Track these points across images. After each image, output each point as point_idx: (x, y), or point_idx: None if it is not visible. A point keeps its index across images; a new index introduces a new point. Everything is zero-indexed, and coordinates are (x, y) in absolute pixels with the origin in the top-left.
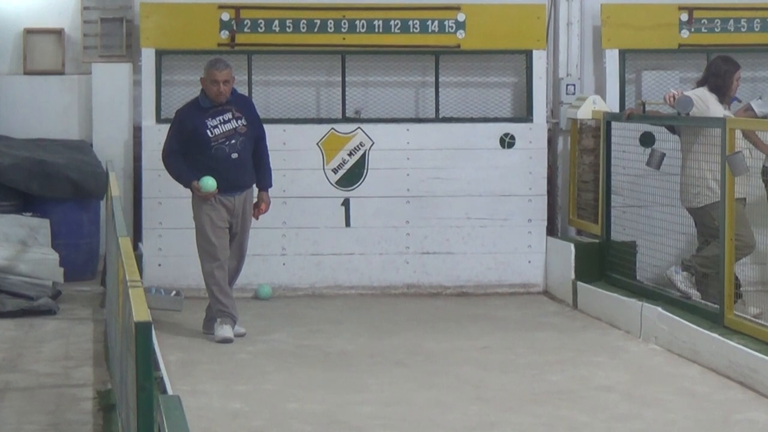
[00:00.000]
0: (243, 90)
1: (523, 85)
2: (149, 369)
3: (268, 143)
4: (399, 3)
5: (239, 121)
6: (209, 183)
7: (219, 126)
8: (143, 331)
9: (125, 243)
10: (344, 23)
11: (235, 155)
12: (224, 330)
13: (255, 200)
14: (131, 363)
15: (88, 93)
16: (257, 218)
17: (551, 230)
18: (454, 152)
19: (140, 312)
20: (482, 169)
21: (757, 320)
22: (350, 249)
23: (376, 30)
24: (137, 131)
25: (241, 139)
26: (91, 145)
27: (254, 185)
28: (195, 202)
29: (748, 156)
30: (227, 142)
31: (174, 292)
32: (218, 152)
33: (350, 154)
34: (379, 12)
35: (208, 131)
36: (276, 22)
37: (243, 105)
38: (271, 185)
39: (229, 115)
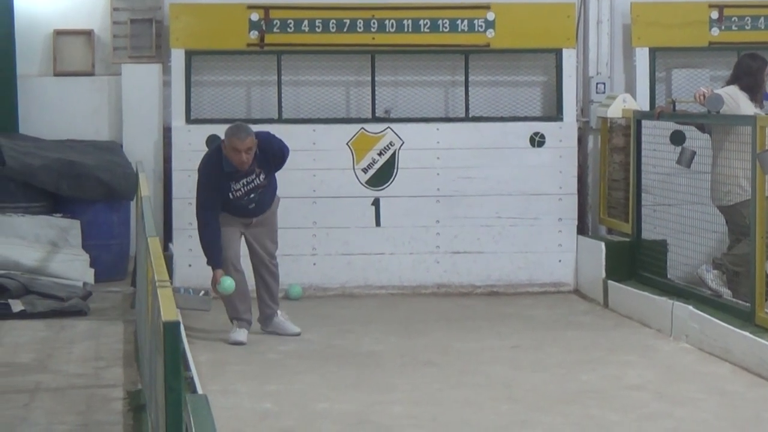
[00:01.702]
0: (272, 91)
1: (552, 83)
2: (178, 369)
3: (297, 145)
4: (428, 2)
5: (260, 178)
6: (227, 284)
7: (242, 188)
8: (171, 330)
9: (154, 243)
10: (374, 23)
11: (252, 205)
12: (237, 333)
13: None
14: (160, 363)
15: (117, 94)
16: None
17: (582, 229)
18: (484, 151)
19: (168, 312)
20: (512, 168)
21: None
22: (380, 249)
23: (406, 30)
24: (167, 132)
25: (261, 191)
26: (121, 146)
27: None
28: None
29: None
30: (246, 197)
31: (203, 292)
32: (237, 203)
33: (380, 154)
34: (408, 11)
35: (230, 194)
36: (305, 22)
37: (263, 158)
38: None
39: (252, 176)
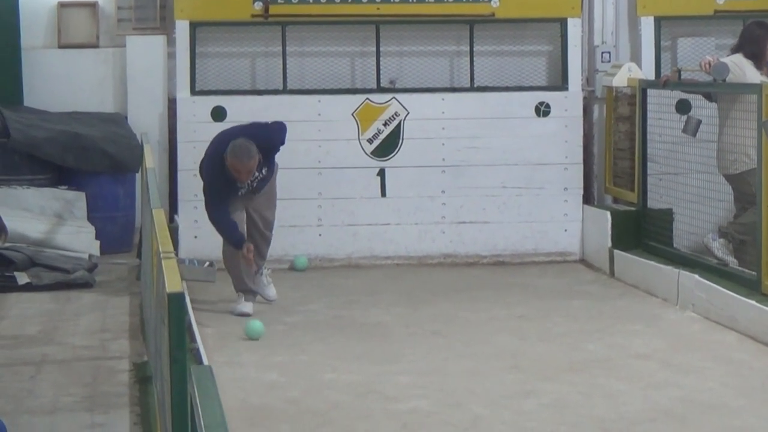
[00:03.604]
0: (277, 62)
1: (558, 53)
2: (182, 340)
3: (303, 116)
4: None
5: (263, 172)
6: (255, 329)
7: (246, 186)
8: (176, 301)
9: (159, 215)
10: None
11: (256, 193)
12: (243, 305)
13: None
14: (165, 334)
15: (122, 66)
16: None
17: (587, 198)
18: (489, 121)
19: (173, 283)
20: (518, 138)
21: None
22: (386, 219)
23: (411, 0)
24: (172, 103)
25: (263, 178)
26: (126, 117)
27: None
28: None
29: None
30: (250, 188)
31: (207, 263)
32: (242, 194)
33: (385, 124)
34: None
35: (237, 192)
36: None
37: (264, 157)
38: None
39: (256, 174)
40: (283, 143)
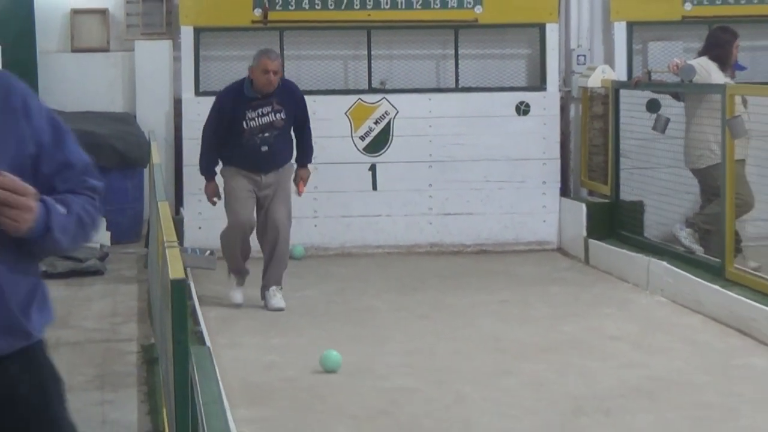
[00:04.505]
0: None
1: (536, 56)
2: (184, 323)
3: None
4: None
5: (277, 115)
6: (332, 361)
7: (256, 119)
8: (179, 287)
9: (164, 207)
10: (369, 0)
11: (265, 148)
12: (235, 295)
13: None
14: (168, 317)
15: (131, 68)
16: (300, 194)
17: (564, 191)
18: (473, 119)
19: (176, 270)
20: (499, 135)
21: (756, 273)
22: (377, 211)
23: (399, 6)
24: (177, 103)
25: (276, 132)
26: (135, 117)
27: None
28: (224, 173)
29: (746, 120)
30: (259, 135)
31: (208, 252)
32: (249, 143)
33: (376, 123)
34: None
35: (244, 123)
36: (306, 0)
37: (287, 97)
38: (310, 161)
39: (268, 108)
40: (304, 101)
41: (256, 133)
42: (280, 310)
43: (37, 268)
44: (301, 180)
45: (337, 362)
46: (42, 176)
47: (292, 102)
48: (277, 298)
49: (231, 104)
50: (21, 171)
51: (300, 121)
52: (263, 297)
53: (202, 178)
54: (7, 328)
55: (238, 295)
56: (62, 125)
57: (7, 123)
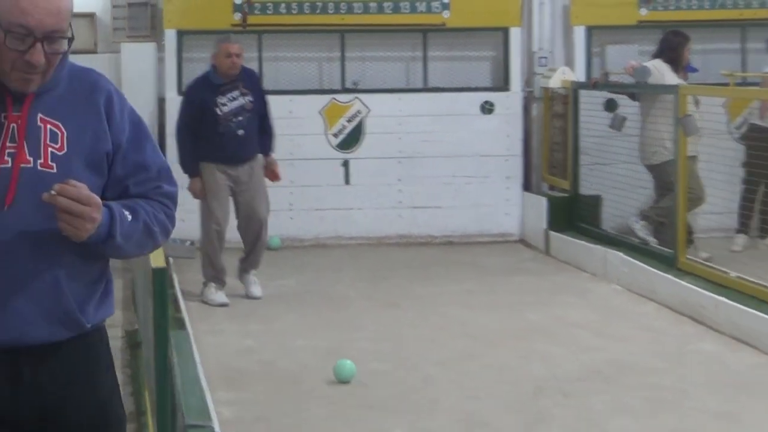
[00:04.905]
0: (254, 66)
1: (501, 58)
2: (165, 308)
3: (276, 113)
4: None
5: (246, 98)
6: (346, 371)
7: (228, 104)
8: (159, 275)
9: None
10: (343, 5)
11: (241, 131)
12: (219, 296)
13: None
14: (150, 304)
15: (117, 70)
16: (279, 179)
17: (527, 186)
18: (440, 118)
19: (157, 259)
20: (466, 133)
21: (706, 263)
22: (349, 204)
23: (371, 11)
24: (161, 102)
25: (248, 115)
26: None
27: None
28: (202, 171)
29: (698, 118)
30: (234, 120)
31: (189, 242)
32: (226, 130)
33: (349, 121)
34: None
35: (217, 109)
36: (283, 5)
37: (251, 82)
38: (273, 150)
39: (237, 93)
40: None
41: (230, 118)
42: (258, 298)
43: (104, 265)
44: (274, 167)
45: (352, 372)
46: (116, 177)
47: (256, 87)
48: (256, 286)
49: (201, 94)
50: (96, 169)
51: (263, 107)
52: (243, 280)
53: (184, 177)
54: (62, 321)
55: (222, 297)
56: (145, 129)
57: (88, 120)
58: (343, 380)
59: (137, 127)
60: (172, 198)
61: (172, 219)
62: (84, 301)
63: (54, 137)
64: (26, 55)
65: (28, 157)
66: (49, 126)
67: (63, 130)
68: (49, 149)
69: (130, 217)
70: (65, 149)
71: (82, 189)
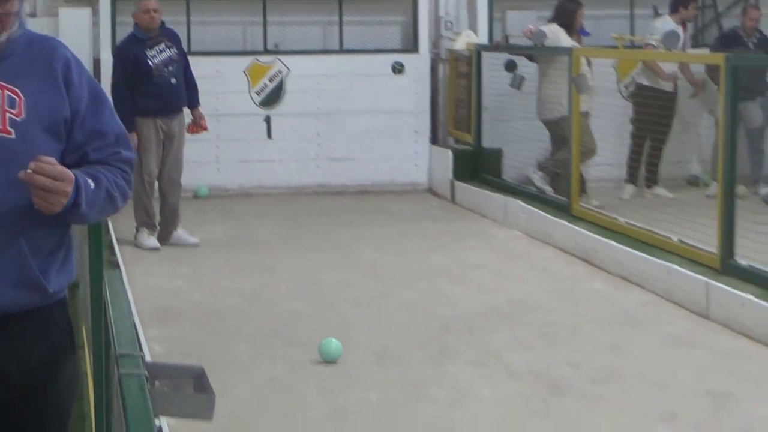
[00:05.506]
0: (183, 29)
1: (410, 22)
2: (100, 249)
3: (204, 73)
4: None
5: (172, 50)
6: (329, 349)
7: (157, 55)
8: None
9: None
10: None
11: (174, 80)
12: (151, 240)
13: (189, 121)
14: (86, 245)
15: (55, 32)
16: (206, 129)
17: (434, 140)
18: (355, 78)
19: None
20: (378, 92)
21: (598, 210)
22: (272, 157)
23: None
24: (96, 63)
25: (176, 65)
26: None
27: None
28: (138, 126)
29: (590, 78)
30: (166, 69)
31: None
32: (160, 80)
33: (270, 80)
34: None
35: (149, 61)
36: None
37: (172, 37)
38: (199, 103)
39: (163, 45)
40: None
41: (162, 68)
42: (198, 244)
43: (64, 232)
44: (201, 120)
45: (339, 351)
46: (74, 143)
47: (177, 42)
48: (188, 236)
49: (132, 50)
50: (55, 135)
51: (186, 61)
52: (174, 240)
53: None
54: (24, 283)
55: (154, 241)
56: (102, 95)
57: (46, 87)
58: (329, 359)
59: (95, 93)
60: (130, 163)
61: (130, 183)
62: (46, 269)
63: (12, 102)
64: None
65: None
66: (6, 92)
67: (21, 95)
68: (8, 114)
69: (93, 185)
70: (23, 115)
71: (56, 165)
